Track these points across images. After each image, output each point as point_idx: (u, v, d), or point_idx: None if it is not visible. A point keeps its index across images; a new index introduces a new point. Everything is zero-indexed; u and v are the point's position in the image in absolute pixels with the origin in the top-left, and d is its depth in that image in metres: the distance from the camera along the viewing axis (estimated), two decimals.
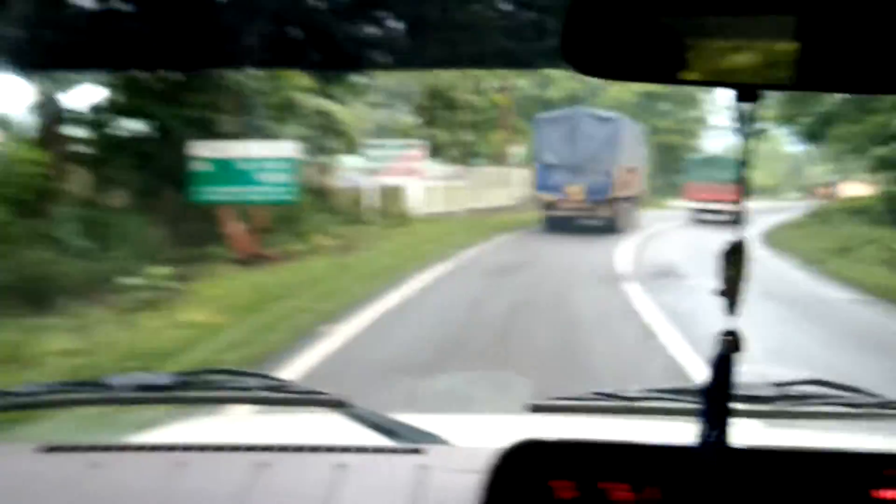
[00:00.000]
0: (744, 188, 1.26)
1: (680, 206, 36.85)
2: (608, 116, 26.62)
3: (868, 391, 1.84)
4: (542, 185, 25.76)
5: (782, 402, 1.77)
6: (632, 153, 26.95)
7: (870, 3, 1.10)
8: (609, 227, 24.59)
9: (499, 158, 36.22)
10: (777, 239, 23.14)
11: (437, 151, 29.40)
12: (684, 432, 1.53)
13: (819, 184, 57.33)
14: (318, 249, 17.15)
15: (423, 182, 24.42)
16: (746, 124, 1.19)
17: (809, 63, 1.09)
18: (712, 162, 33.71)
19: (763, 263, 17.56)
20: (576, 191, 24.69)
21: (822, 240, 21.86)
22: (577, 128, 25.56)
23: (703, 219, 30.25)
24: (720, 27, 1.10)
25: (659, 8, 1.09)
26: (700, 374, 7.66)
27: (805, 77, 1.09)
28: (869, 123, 24.00)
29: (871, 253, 18.80)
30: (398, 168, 22.93)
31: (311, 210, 19.53)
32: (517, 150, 36.41)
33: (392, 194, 23.93)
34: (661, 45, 1.10)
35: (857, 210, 26.67)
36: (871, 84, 1.16)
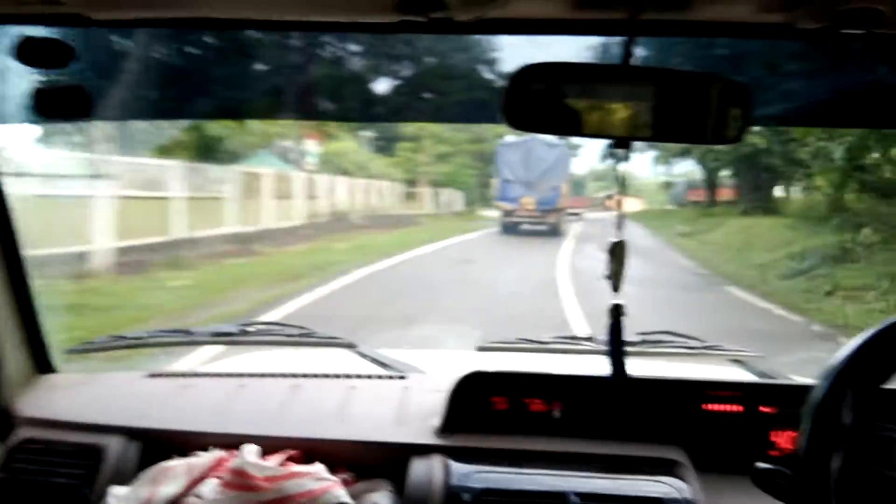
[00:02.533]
0: (620, 204, 1.31)
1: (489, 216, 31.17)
2: (556, 143, 23.45)
3: (699, 338, 1.86)
4: (501, 197, 23.30)
5: (644, 345, 1.80)
6: (566, 172, 24.78)
7: (694, 90, 1.14)
8: (553, 231, 22.41)
9: (293, 158, 22.69)
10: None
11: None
12: (577, 365, 1.58)
13: (605, 197, 49.64)
14: None
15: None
16: (620, 162, 1.24)
17: (657, 123, 1.13)
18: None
19: None
20: (528, 202, 22.54)
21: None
22: (531, 151, 23.08)
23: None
24: (604, 99, 1.15)
25: (561, 87, 1.13)
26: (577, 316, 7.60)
27: (656, 132, 1.14)
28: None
29: None
30: None
31: None
32: (314, 146, 23.07)
33: None
34: (562, 112, 1.12)
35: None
36: (697, 137, 1.20)
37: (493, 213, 31.34)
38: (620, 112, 1.14)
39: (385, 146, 31.45)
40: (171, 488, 1.31)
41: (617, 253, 1.29)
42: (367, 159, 28.99)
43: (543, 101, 1.11)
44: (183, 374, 1.82)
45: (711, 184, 29.81)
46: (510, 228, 22.88)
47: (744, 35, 1.30)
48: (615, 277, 1.29)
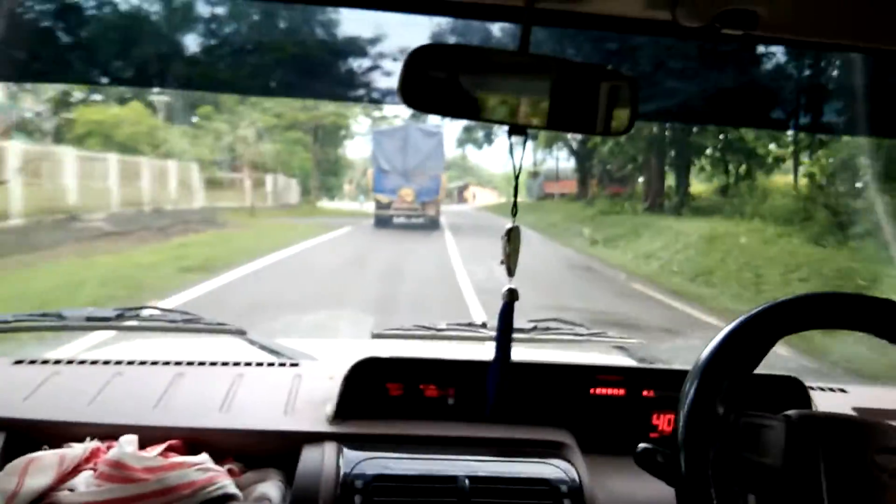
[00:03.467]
0: (516, 192, 1.34)
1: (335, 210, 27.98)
2: (433, 130, 22.34)
3: (586, 326, 1.95)
4: (378, 188, 21.69)
5: (535, 332, 1.87)
6: (443, 161, 23.64)
7: (586, 80, 1.18)
8: (432, 224, 21.42)
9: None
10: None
11: None
12: (471, 351, 1.60)
13: (458, 188, 46.55)
14: None
15: None
16: (517, 150, 1.26)
17: (552, 112, 1.16)
18: None
19: None
20: (407, 193, 21.28)
21: None
22: (408, 139, 21.79)
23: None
24: (500, 84, 1.17)
25: (458, 69, 1.13)
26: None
27: (551, 121, 1.16)
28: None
29: None
30: None
31: None
32: None
33: None
34: (459, 94, 1.13)
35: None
36: (589, 127, 1.24)
37: (341, 206, 29.15)
38: (517, 98, 1.16)
39: (186, 115, 22.66)
40: (39, 480, 1.23)
41: (512, 238, 1.31)
42: (151, 129, 20.18)
43: (440, 83, 1.12)
44: (53, 361, 1.71)
45: (584, 174, 28.46)
46: (385, 222, 21.31)
47: (632, 30, 1.35)
48: (510, 262, 1.31)
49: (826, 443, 1.04)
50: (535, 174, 34.63)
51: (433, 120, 22.21)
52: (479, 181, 48.41)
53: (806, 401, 1.56)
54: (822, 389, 1.83)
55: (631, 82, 1.19)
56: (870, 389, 2.02)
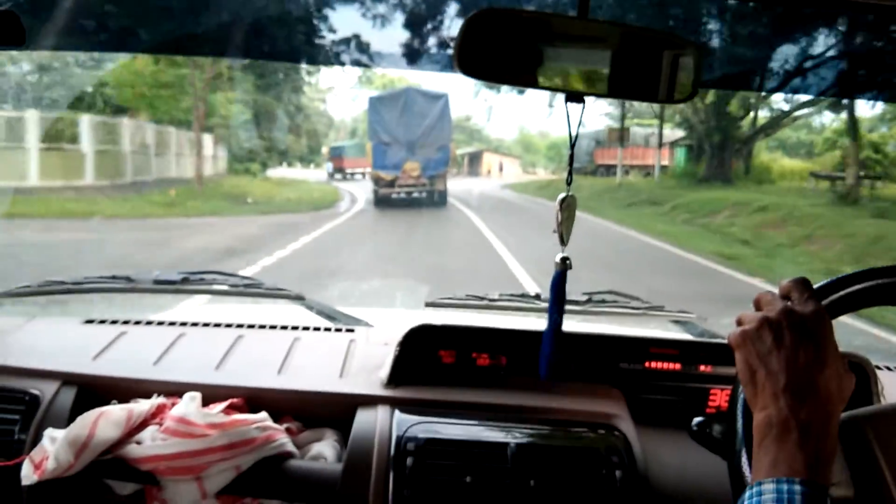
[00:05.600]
0: (571, 162, 1.32)
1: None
2: (438, 93, 19.40)
3: (642, 299, 1.92)
4: (379, 164, 19.02)
5: (589, 304, 1.86)
6: (451, 127, 20.63)
7: (648, 46, 1.15)
8: (441, 199, 19.00)
9: None
10: None
11: None
12: (524, 322, 1.60)
13: (467, 157, 38.29)
14: None
15: None
16: (574, 118, 1.24)
17: (613, 78, 1.13)
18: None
19: None
20: (413, 167, 18.78)
21: None
22: (410, 106, 18.91)
23: None
24: (559, 50, 1.14)
25: (516, 35, 1.11)
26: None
27: (611, 88, 1.13)
28: None
29: None
30: None
31: None
32: None
33: None
34: (516, 60, 1.11)
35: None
36: (651, 94, 1.20)
37: (295, 175, 24.04)
38: (576, 65, 1.14)
39: None
40: (108, 433, 1.30)
41: (567, 206, 1.30)
42: None
43: (497, 50, 1.10)
44: (122, 322, 1.79)
45: (724, 140, 19.70)
46: (387, 201, 18.75)
47: None
48: (563, 231, 1.30)
49: (886, 446, 0.96)
50: (621, 132, 26.47)
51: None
52: (489, 147, 40.39)
53: (869, 385, 1.50)
54: (890, 369, 1.76)
55: (696, 48, 1.15)
56: None
